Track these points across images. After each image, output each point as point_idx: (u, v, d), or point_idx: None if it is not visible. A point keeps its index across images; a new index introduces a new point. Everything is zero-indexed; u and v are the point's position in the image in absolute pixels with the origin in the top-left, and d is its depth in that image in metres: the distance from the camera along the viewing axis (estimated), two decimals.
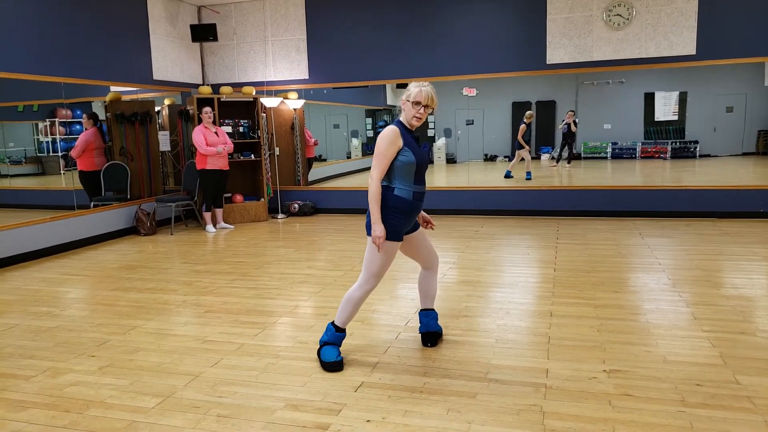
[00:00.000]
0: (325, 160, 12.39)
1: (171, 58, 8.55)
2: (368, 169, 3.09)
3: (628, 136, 11.91)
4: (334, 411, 2.70)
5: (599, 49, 7.63)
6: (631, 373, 3.01)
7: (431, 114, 3.09)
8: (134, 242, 7.29)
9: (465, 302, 4.31)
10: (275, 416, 2.67)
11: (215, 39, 8.68)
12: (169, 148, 8.92)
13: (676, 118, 10.98)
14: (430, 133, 12.52)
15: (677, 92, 10.66)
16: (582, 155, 12.29)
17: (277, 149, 9.20)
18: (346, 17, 8.55)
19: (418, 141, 3.12)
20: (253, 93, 8.63)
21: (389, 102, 13.48)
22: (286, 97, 8.99)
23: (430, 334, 3.47)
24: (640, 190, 7.99)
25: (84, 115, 7.77)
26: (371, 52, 8.50)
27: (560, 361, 3.18)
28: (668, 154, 11.56)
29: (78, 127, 7.89)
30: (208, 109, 7.68)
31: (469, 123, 12.20)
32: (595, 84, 11.57)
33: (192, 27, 8.66)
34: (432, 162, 12.61)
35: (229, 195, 8.57)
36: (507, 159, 12.95)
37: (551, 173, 11.58)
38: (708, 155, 11.35)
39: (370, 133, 13.81)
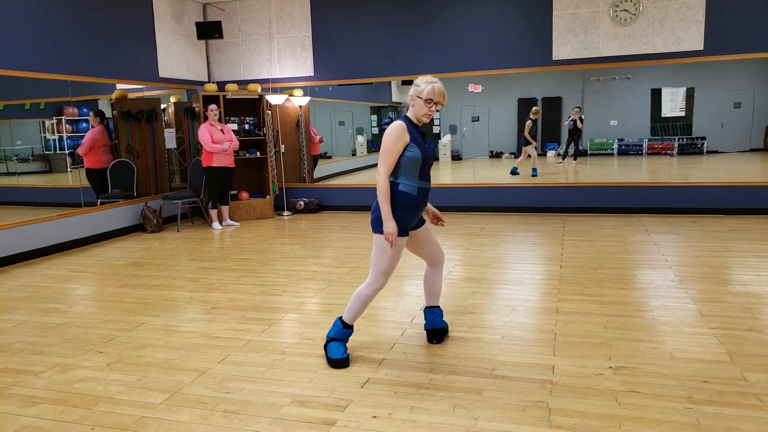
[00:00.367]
0: (330, 157, 12.40)
1: (177, 56, 8.57)
2: (373, 166, 3.09)
3: (634, 132, 11.86)
4: (340, 407, 2.71)
5: (606, 44, 7.60)
6: (637, 369, 3.00)
7: (438, 111, 3.09)
8: (141, 239, 7.33)
9: (471, 299, 4.31)
10: (282, 412, 2.68)
11: (221, 36, 8.69)
12: (175, 146, 8.95)
13: (683, 114, 10.91)
14: (436, 129, 12.50)
15: (684, 88, 10.59)
16: (588, 152, 12.24)
17: (282, 146, 9.21)
18: (352, 14, 8.54)
19: (424, 137, 3.12)
20: (259, 90, 8.64)
21: (394, 99, 13.47)
22: (291, 95, 9.00)
23: (436, 331, 3.47)
24: (646, 187, 7.96)
25: (91, 113, 7.80)
26: (376, 48, 8.50)
27: (566, 358, 3.18)
28: (675, 151, 11.50)
29: (84, 124, 7.92)
30: (213, 106, 7.70)
31: (475, 120, 12.18)
32: (602, 80, 11.52)
33: (197, 24, 8.68)
34: (437, 159, 12.60)
35: (234, 192, 8.60)
36: (513, 156, 12.93)
37: (557, 170, 11.54)
38: (715, 151, 11.29)
39: (375, 130, 13.81)
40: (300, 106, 9.28)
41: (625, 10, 7.45)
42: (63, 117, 7.69)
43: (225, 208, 8.11)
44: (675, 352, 3.20)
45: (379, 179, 2.97)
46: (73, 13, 6.84)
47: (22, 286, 5.20)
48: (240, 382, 3.02)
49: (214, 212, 7.93)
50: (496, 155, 13.39)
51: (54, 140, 7.85)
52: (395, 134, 2.95)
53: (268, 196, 8.79)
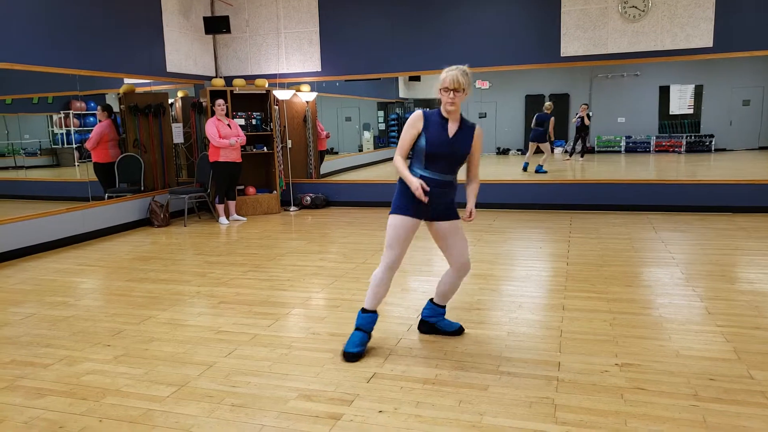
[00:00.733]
0: (337, 152, 12.41)
1: (184, 51, 8.59)
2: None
3: (642, 129, 11.81)
4: (346, 401, 2.72)
5: (614, 41, 7.56)
6: (643, 366, 3.00)
7: (462, 99, 3.02)
8: (148, 234, 7.36)
9: (477, 295, 4.31)
10: (288, 406, 2.70)
11: (228, 31, 8.69)
12: (182, 141, 8.98)
13: (691, 111, 10.85)
14: None
15: (693, 85, 10.53)
16: (595, 149, 12.20)
17: (289, 142, 9.22)
18: (359, 9, 8.53)
19: (464, 130, 3.11)
20: (266, 85, 8.65)
21: (401, 95, 13.45)
22: (298, 90, 9.01)
23: (424, 323, 3.54)
24: (653, 184, 7.93)
25: (98, 107, 7.84)
26: (383, 44, 8.48)
27: (572, 355, 3.17)
28: (683, 148, 11.45)
29: (92, 119, 7.96)
30: (221, 101, 7.71)
31: (482, 116, 12.16)
32: (610, 77, 11.47)
33: (205, 19, 8.69)
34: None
35: (241, 187, 8.62)
36: (520, 152, 12.90)
37: (564, 167, 11.51)
38: (724, 149, 11.23)
39: (382, 126, 13.80)
40: (307, 102, 9.28)
41: (634, 6, 7.40)
42: (71, 111, 7.73)
43: (232, 203, 8.13)
44: (681, 350, 3.20)
45: (394, 158, 3.20)
46: (81, 8, 6.86)
47: (30, 279, 5.24)
48: (246, 376, 3.03)
49: (220, 207, 7.96)
50: (503, 152, 13.36)
51: (62, 134, 7.89)
52: (409, 122, 3.13)
53: (275, 192, 8.81)
